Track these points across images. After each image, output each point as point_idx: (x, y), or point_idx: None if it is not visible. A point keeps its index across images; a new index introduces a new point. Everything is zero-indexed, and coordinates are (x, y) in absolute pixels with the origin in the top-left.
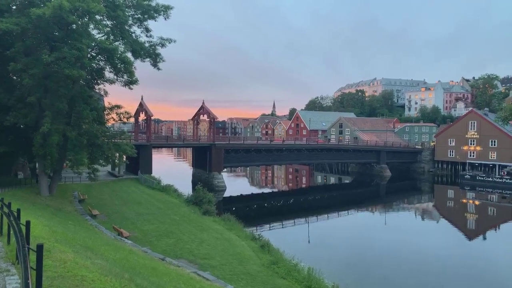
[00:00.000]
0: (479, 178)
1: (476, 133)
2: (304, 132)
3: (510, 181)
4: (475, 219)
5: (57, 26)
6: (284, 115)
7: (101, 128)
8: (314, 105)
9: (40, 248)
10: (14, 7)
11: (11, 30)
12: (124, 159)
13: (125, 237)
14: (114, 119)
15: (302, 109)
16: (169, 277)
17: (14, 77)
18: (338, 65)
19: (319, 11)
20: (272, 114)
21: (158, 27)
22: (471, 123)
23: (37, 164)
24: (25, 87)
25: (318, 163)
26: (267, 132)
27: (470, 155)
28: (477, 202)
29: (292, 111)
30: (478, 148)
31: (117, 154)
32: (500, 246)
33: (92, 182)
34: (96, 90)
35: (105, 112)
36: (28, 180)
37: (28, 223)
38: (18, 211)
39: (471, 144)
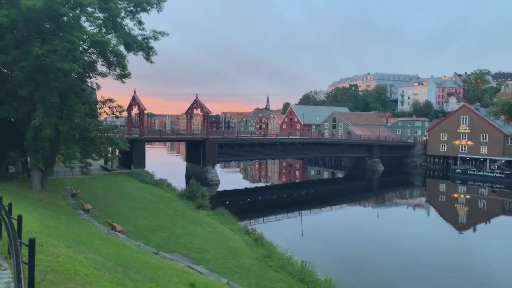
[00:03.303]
0: (470, 172)
1: (467, 128)
2: (298, 127)
3: (501, 175)
4: (465, 212)
5: (48, 18)
6: (278, 110)
7: (94, 122)
8: (307, 100)
9: (32, 242)
10: None
11: (1, 22)
12: (117, 153)
13: (119, 232)
14: (106, 113)
15: (296, 104)
16: (162, 271)
17: (5, 70)
18: (332, 59)
19: (312, 4)
20: (266, 109)
21: (150, 21)
22: (463, 117)
23: (28, 158)
24: (16, 80)
25: (311, 157)
26: (261, 126)
27: (462, 150)
28: (468, 196)
29: (286, 105)
30: (469, 142)
31: (110, 148)
32: (489, 238)
33: (85, 177)
34: (88, 84)
35: (98, 106)
36: (19, 174)
37: (20, 218)
38: (10, 205)
39: (462, 138)
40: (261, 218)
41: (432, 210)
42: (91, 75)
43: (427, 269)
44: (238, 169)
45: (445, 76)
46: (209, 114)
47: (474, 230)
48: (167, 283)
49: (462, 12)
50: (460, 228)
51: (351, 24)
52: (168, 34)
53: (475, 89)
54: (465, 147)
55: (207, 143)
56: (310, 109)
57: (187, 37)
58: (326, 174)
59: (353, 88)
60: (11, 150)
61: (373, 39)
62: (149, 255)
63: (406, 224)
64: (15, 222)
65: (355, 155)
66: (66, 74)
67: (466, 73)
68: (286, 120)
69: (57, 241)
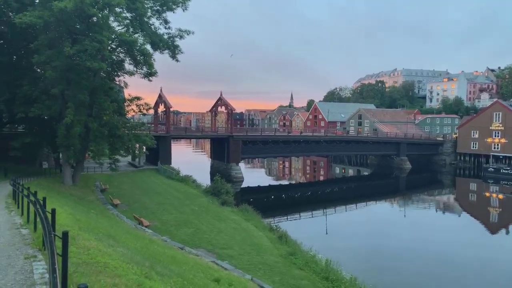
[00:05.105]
0: (504, 171)
1: (501, 125)
2: (322, 124)
3: None
4: (498, 213)
5: (79, 19)
6: (302, 107)
7: (122, 119)
8: (332, 97)
9: (65, 235)
10: (37, 1)
11: (34, 23)
12: (144, 150)
13: (145, 226)
14: (134, 111)
15: (320, 101)
16: (188, 266)
17: (38, 70)
18: (357, 56)
19: (335, 2)
20: (290, 106)
21: (176, 19)
22: (496, 114)
23: (60, 155)
24: (49, 79)
25: (336, 155)
26: (284, 123)
27: (494, 148)
28: (501, 196)
29: (310, 102)
30: (502, 140)
31: (137, 145)
32: None
33: (113, 173)
34: (117, 82)
35: (125, 104)
36: (52, 170)
37: (53, 211)
38: (44, 199)
39: (495, 136)
40: (285, 215)
41: (463, 210)
42: (119, 73)
43: (454, 269)
44: (262, 167)
45: (476, 71)
46: (233, 111)
47: (507, 232)
48: (192, 278)
49: (494, 5)
50: (492, 229)
51: (376, 20)
52: (193, 33)
53: (509, 84)
54: (498, 145)
55: (231, 140)
56: (335, 106)
57: (211, 36)
58: (351, 172)
59: (379, 84)
60: (44, 147)
61: (400, 35)
62: (175, 250)
63: (435, 224)
64: (49, 216)
65: (381, 153)
66: (95, 73)
67: (499, 68)
68: (310, 117)
69: (88, 235)
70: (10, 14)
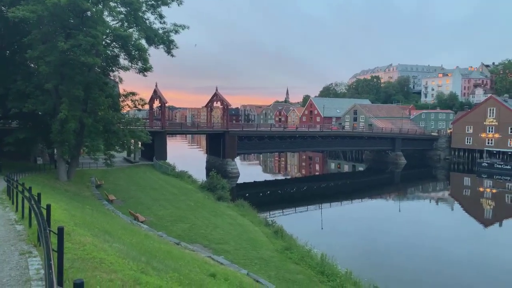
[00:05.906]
0: (497, 166)
1: (494, 120)
2: (318, 119)
3: None
4: (492, 208)
5: (73, 13)
6: (298, 102)
7: (117, 114)
8: (328, 92)
9: (61, 230)
10: None
11: (27, 17)
12: (139, 146)
13: (141, 222)
14: (129, 106)
15: (316, 96)
16: (184, 261)
17: (32, 65)
18: (353, 51)
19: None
20: (286, 101)
21: (173, 15)
22: (490, 109)
23: (55, 150)
24: (42, 74)
25: (332, 150)
26: (280, 119)
27: (488, 143)
28: (494, 190)
29: (306, 98)
30: (496, 135)
31: (133, 141)
32: None
33: (108, 168)
34: (111, 77)
35: (120, 99)
36: (47, 165)
37: (48, 207)
38: (39, 195)
39: (489, 131)
40: (280, 210)
41: (457, 205)
42: (113, 68)
43: (449, 264)
44: (258, 162)
45: (471, 67)
46: (229, 107)
47: (501, 226)
48: (188, 273)
49: (490, 0)
50: (486, 224)
51: (373, 16)
52: (188, 27)
53: (503, 79)
54: (491, 140)
55: (227, 135)
56: (330, 102)
57: (208, 32)
58: (346, 167)
59: (375, 80)
60: (38, 142)
61: (396, 30)
62: (171, 245)
63: (429, 219)
64: (44, 211)
65: (376, 148)
66: (90, 68)
67: (493, 63)
68: (306, 112)
69: (83, 230)
70: (3, 8)
